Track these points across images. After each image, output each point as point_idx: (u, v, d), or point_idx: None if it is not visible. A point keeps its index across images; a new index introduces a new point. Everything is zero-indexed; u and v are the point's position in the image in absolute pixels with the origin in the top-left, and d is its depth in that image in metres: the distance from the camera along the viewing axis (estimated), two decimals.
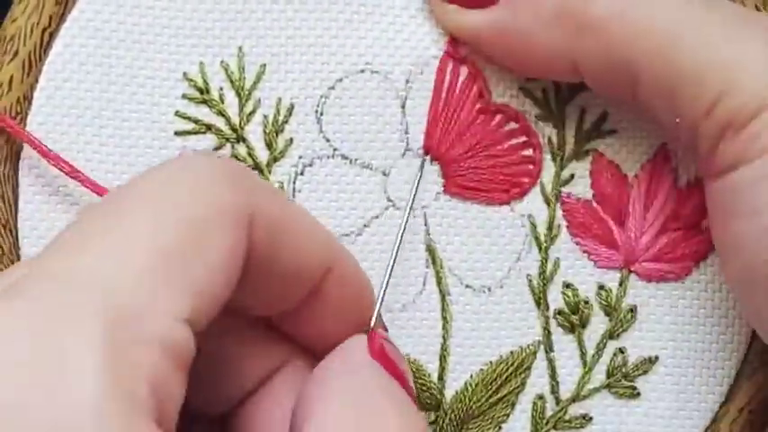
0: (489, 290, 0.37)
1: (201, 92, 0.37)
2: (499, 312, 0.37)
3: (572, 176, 0.37)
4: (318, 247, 0.31)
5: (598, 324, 0.37)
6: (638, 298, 0.37)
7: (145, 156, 0.36)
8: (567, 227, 0.37)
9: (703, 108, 0.32)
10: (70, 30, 0.36)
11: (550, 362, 0.37)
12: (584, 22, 0.33)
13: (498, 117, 0.37)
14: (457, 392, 0.37)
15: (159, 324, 0.25)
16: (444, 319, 0.37)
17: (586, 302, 0.37)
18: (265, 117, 0.37)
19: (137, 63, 0.36)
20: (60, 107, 0.36)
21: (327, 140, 0.37)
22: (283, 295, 0.31)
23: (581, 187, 0.37)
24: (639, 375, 0.37)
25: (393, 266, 0.34)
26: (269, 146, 0.37)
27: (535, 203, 0.37)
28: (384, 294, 0.34)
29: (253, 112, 0.37)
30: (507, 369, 0.37)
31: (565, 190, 0.37)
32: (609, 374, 0.37)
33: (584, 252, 0.37)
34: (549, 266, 0.37)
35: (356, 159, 0.37)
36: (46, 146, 0.36)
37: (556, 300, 0.37)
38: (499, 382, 0.37)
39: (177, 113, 0.37)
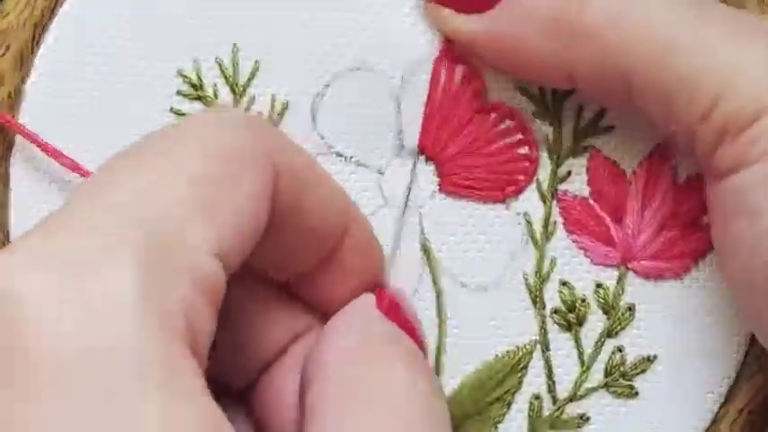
0: (485, 288, 0.37)
1: (196, 88, 0.37)
2: (495, 311, 0.37)
3: (569, 173, 0.37)
4: (338, 205, 0.31)
5: (596, 322, 0.37)
6: (636, 296, 0.37)
7: None
8: (564, 224, 0.37)
9: (699, 113, 0.32)
10: (62, 24, 0.36)
11: (547, 361, 0.37)
12: (578, 29, 0.33)
13: (494, 115, 0.37)
14: (453, 392, 0.36)
15: (192, 256, 0.26)
16: (440, 318, 0.36)
17: (583, 300, 0.37)
18: (260, 114, 0.37)
19: (130, 58, 0.36)
20: (52, 102, 0.36)
21: (322, 138, 0.37)
22: (303, 253, 0.31)
23: (578, 184, 0.37)
24: (638, 374, 0.37)
25: (388, 265, 0.34)
26: None
27: (531, 201, 0.37)
28: None
29: (247, 109, 0.37)
30: (503, 368, 0.36)
31: (561, 187, 0.37)
32: (607, 373, 0.37)
33: (581, 249, 0.37)
34: (546, 264, 0.37)
35: (351, 157, 0.37)
36: (42, 139, 0.35)
37: (552, 298, 0.37)
38: (495, 382, 0.36)
39: (171, 109, 0.36)
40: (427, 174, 0.37)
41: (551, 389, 0.37)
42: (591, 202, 0.37)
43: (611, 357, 0.37)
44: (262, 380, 0.33)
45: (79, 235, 0.25)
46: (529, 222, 0.37)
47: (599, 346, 0.37)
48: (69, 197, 0.27)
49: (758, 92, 0.31)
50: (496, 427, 0.36)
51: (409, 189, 0.36)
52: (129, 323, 0.24)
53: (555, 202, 0.37)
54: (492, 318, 0.37)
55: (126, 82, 0.36)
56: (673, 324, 0.37)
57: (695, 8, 0.33)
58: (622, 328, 0.37)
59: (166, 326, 0.24)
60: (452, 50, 0.37)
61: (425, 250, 0.37)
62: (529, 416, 0.37)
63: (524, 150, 0.37)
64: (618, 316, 0.37)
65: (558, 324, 0.37)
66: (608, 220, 0.37)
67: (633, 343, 0.37)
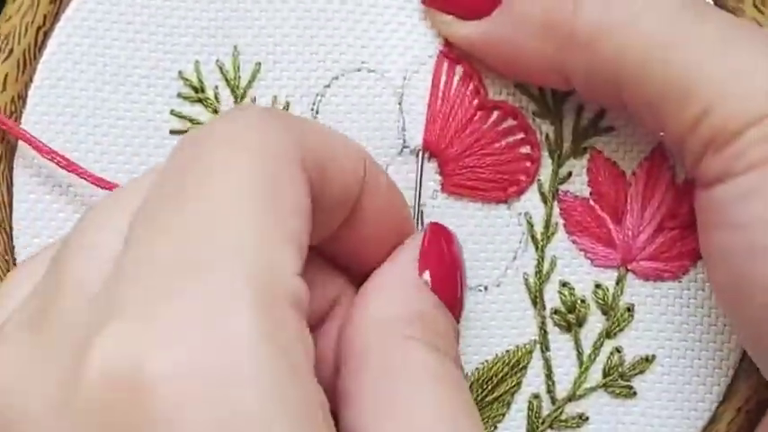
0: (486, 288, 0.37)
1: (197, 90, 0.37)
2: (495, 311, 0.37)
3: (569, 174, 0.37)
4: (354, 162, 0.31)
5: (595, 323, 0.37)
6: (635, 297, 0.37)
7: (140, 155, 0.36)
8: (564, 225, 0.37)
9: (688, 123, 0.32)
10: (65, 28, 0.36)
11: (546, 361, 0.37)
12: (571, 37, 0.33)
13: (496, 114, 0.37)
14: None
15: (287, 286, 0.25)
16: None
17: (583, 301, 0.37)
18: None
19: (131, 62, 0.36)
20: (55, 106, 0.36)
21: None
22: (330, 219, 0.31)
23: (578, 185, 0.37)
24: (636, 375, 0.37)
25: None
26: None
27: (532, 201, 0.37)
28: None
29: None
30: (503, 368, 0.37)
31: (562, 188, 0.37)
32: (605, 374, 0.37)
33: (581, 250, 0.37)
34: (546, 265, 0.37)
35: None
36: (43, 143, 0.36)
37: (552, 299, 0.37)
38: (495, 381, 0.37)
39: (172, 112, 0.37)
40: (429, 173, 0.37)
41: (551, 389, 0.37)
42: (591, 202, 0.37)
43: (609, 358, 0.37)
44: None
45: (190, 298, 0.25)
46: (530, 223, 0.37)
47: (598, 346, 0.37)
48: (137, 253, 0.26)
49: (746, 105, 0.31)
50: (496, 427, 0.37)
51: (420, 186, 0.36)
52: (265, 383, 0.24)
53: (555, 203, 0.37)
54: (492, 317, 0.37)
55: (128, 85, 0.36)
56: (671, 324, 0.37)
57: (691, 17, 0.32)
58: (621, 329, 0.37)
59: (299, 383, 0.24)
60: (453, 50, 0.37)
61: None
62: (528, 416, 0.37)
63: (526, 150, 0.37)
64: (617, 317, 0.37)
65: (558, 325, 0.37)
66: (608, 221, 0.37)
67: (632, 343, 0.37)
